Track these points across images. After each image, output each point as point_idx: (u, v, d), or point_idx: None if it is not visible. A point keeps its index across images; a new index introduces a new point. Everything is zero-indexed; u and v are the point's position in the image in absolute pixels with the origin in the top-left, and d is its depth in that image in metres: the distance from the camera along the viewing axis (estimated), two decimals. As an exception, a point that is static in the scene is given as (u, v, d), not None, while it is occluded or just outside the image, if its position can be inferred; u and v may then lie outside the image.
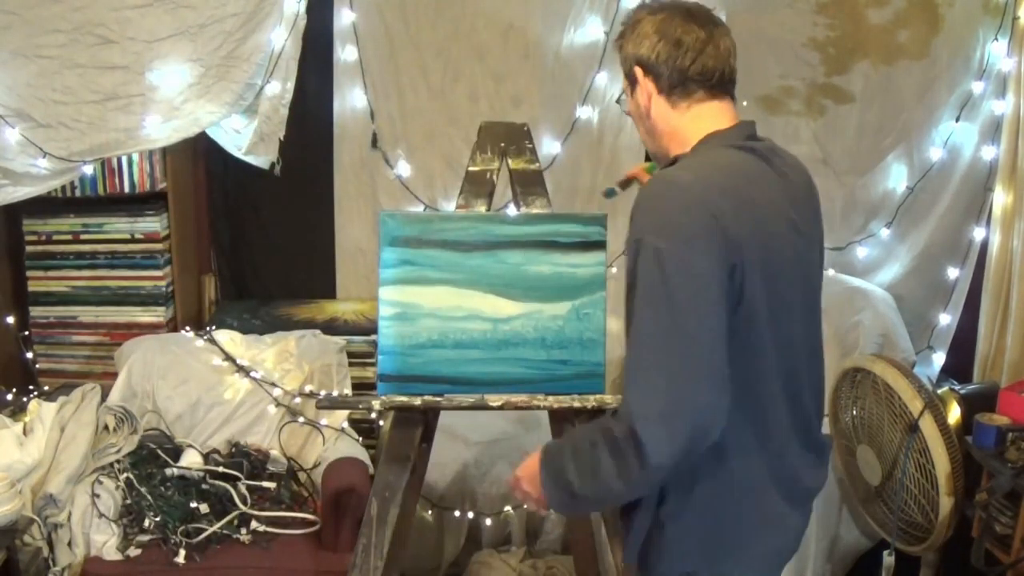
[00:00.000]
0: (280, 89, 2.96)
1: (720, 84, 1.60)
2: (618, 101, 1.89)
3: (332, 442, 3.00)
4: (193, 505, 2.70)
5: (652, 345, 1.42)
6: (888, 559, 2.48)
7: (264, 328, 3.29)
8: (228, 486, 2.77)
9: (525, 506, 1.74)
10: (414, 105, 3.39)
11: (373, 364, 3.02)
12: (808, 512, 1.69)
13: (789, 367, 1.55)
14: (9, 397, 3.02)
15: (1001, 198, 2.89)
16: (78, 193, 3.26)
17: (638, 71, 1.60)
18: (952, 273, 3.14)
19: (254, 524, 2.70)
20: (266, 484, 2.85)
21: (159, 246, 3.33)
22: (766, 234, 1.48)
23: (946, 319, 3.17)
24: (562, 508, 1.64)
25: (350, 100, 3.39)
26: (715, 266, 1.40)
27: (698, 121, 1.58)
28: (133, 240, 3.31)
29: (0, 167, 2.69)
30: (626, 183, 2.15)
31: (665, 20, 1.58)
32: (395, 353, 2.27)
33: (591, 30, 3.31)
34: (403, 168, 3.42)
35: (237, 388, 3.05)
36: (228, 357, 3.08)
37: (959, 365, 3.12)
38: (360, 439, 3.03)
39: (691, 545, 1.57)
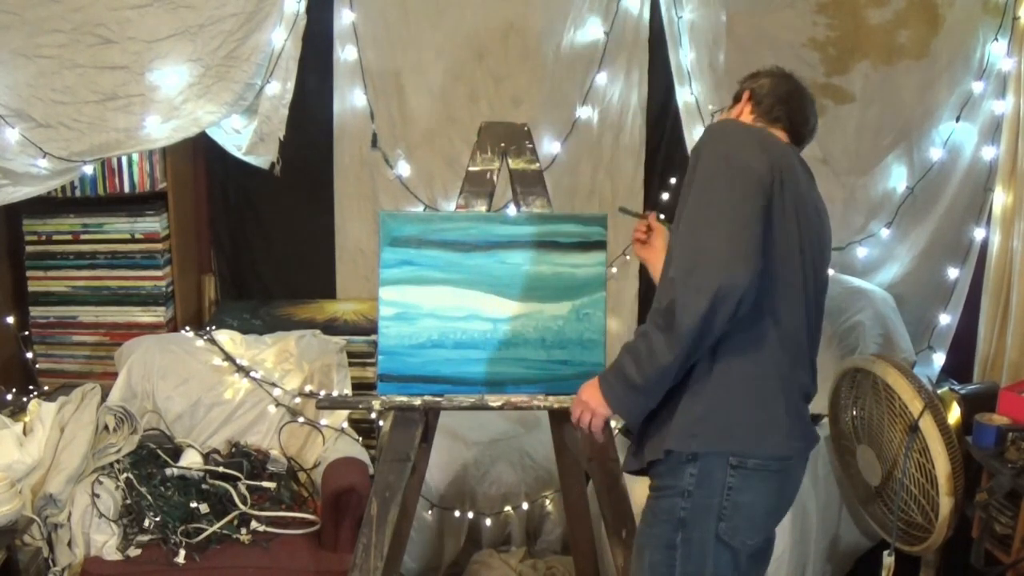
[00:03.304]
0: (280, 89, 2.96)
1: (793, 134, 1.99)
2: (713, 115, 2.28)
3: (332, 442, 3.00)
4: (193, 505, 2.70)
5: (699, 221, 1.72)
6: (888, 559, 2.48)
7: (264, 328, 3.29)
8: (228, 486, 2.77)
9: (588, 430, 1.93)
10: (414, 105, 3.39)
11: (373, 364, 3.02)
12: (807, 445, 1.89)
13: (808, 301, 1.83)
14: (9, 397, 3.02)
15: (1001, 198, 2.89)
16: (78, 193, 3.26)
17: (745, 95, 2.03)
18: (952, 273, 3.14)
19: (254, 524, 2.70)
20: (266, 484, 2.85)
21: (159, 246, 3.33)
22: (798, 183, 1.81)
23: (946, 319, 3.17)
24: (625, 406, 1.84)
25: (350, 100, 3.39)
26: (764, 171, 1.73)
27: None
28: (133, 240, 3.32)
29: (0, 167, 2.69)
30: (640, 215, 2.25)
31: (790, 88, 2.04)
32: (395, 353, 2.27)
33: (591, 30, 3.31)
34: (403, 168, 3.42)
35: (237, 388, 3.05)
36: (228, 357, 3.08)
37: (959, 365, 3.12)
38: (360, 439, 3.03)
39: (707, 425, 1.77)
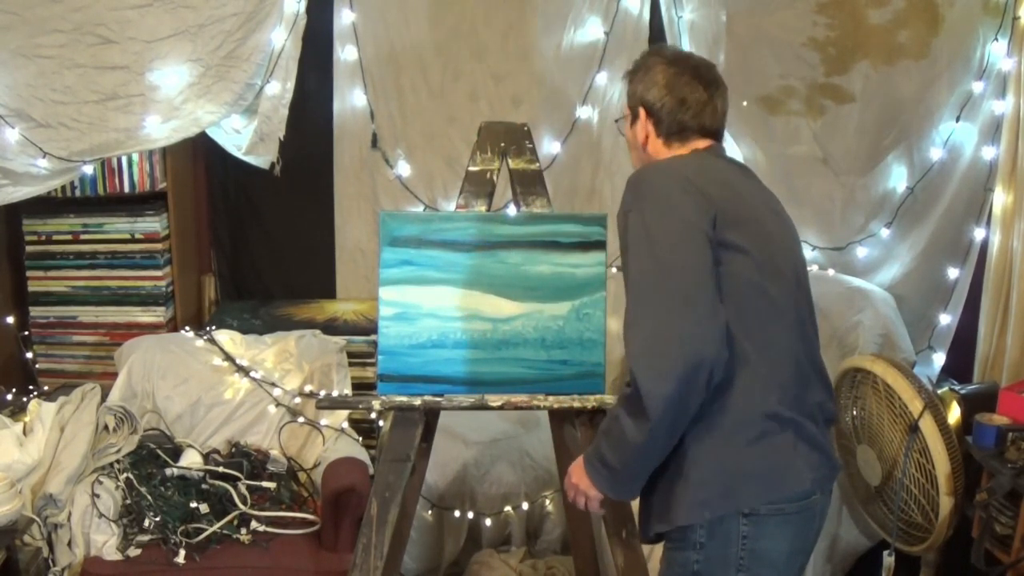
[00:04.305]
0: (280, 89, 2.96)
1: (710, 134, 1.83)
2: (616, 122, 2.03)
3: (332, 442, 3.00)
4: (193, 505, 2.70)
5: (640, 292, 1.58)
6: (888, 559, 2.48)
7: (264, 328, 3.29)
8: (228, 486, 2.77)
9: (587, 508, 1.83)
10: (414, 105, 3.39)
11: (373, 364, 3.02)
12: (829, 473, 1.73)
13: (790, 315, 1.70)
14: (9, 397, 3.02)
15: (1001, 198, 2.89)
16: (78, 193, 3.26)
17: (642, 112, 1.84)
18: (952, 273, 3.14)
19: (254, 524, 2.70)
20: (266, 484, 2.85)
21: (159, 246, 3.33)
22: (742, 201, 1.70)
23: (946, 319, 3.17)
24: (612, 488, 1.74)
25: (350, 100, 3.39)
26: (696, 214, 1.61)
27: (685, 151, 1.83)
28: (133, 240, 3.31)
29: (0, 167, 2.69)
30: None
31: (675, 75, 1.81)
32: (395, 353, 2.27)
33: (591, 30, 3.31)
34: (403, 168, 3.42)
35: (237, 388, 3.05)
36: (228, 357, 3.08)
37: (959, 365, 3.11)
38: (360, 439, 3.03)
39: (713, 489, 1.64)
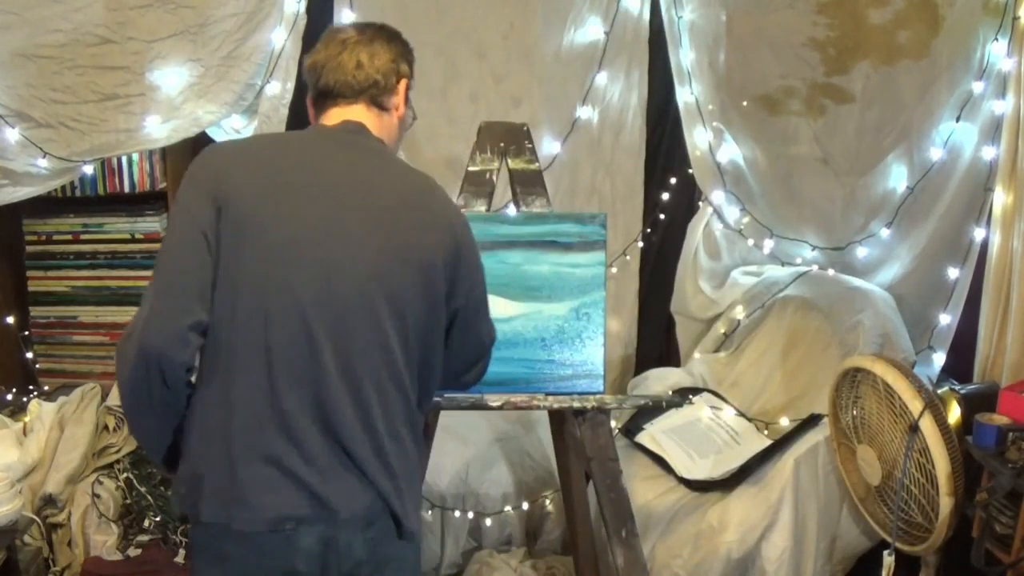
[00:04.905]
0: (280, 89, 2.96)
1: (351, 96, 1.69)
2: None
3: (332, 442, 2.99)
4: (193, 505, 2.70)
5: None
6: (888, 559, 2.48)
7: (264, 328, 3.28)
8: (228, 486, 2.77)
9: None
10: (414, 105, 3.38)
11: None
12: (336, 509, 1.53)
13: (300, 339, 1.52)
14: (9, 397, 3.02)
15: (1001, 198, 2.89)
16: (78, 193, 3.26)
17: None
18: (952, 273, 3.14)
19: (254, 524, 2.69)
20: (266, 484, 2.84)
21: (159, 246, 3.32)
22: (276, 200, 1.55)
23: (946, 319, 3.17)
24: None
25: (350, 100, 3.38)
26: (203, 198, 1.54)
27: (324, 122, 1.71)
28: (133, 240, 3.31)
29: (0, 167, 2.69)
30: None
31: (316, 46, 1.72)
32: (395, 353, 2.27)
33: (591, 30, 3.31)
34: (403, 168, 3.42)
35: (237, 388, 3.05)
36: (228, 357, 3.07)
37: (959, 365, 3.11)
38: (360, 439, 3.02)
39: (184, 487, 1.57)
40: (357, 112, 1.69)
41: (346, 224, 1.56)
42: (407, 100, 1.80)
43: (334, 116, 1.70)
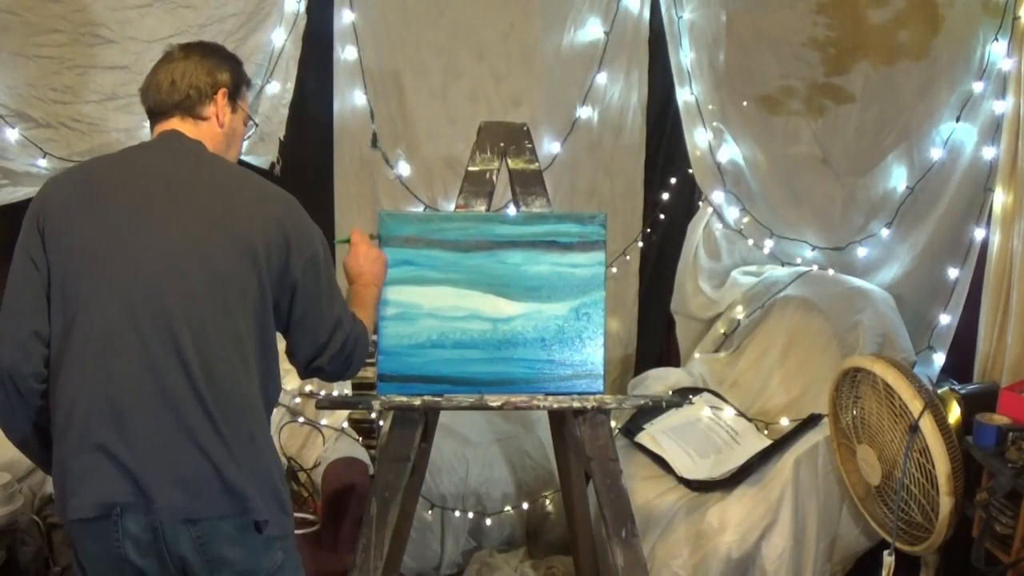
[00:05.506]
0: (280, 89, 2.97)
1: (168, 111, 1.79)
2: None
3: (332, 442, 2.99)
4: (193, 505, 2.70)
5: None
6: (888, 559, 2.48)
7: (264, 328, 3.28)
8: (228, 486, 2.77)
9: None
10: (414, 105, 3.39)
11: (373, 364, 3.01)
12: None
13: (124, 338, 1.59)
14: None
15: (1001, 198, 2.89)
16: (78, 193, 3.25)
17: None
18: (952, 273, 3.14)
19: (254, 524, 2.69)
20: (266, 484, 2.84)
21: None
22: (90, 198, 1.66)
23: (946, 319, 3.17)
24: None
25: (350, 100, 3.38)
26: (30, 224, 1.66)
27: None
28: (133, 240, 3.31)
29: (0, 167, 2.69)
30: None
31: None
32: (395, 353, 2.27)
33: (591, 30, 3.31)
34: (403, 168, 3.42)
35: (237, 388, 3.05)
36: (228, 357, 3.07)
37: (959, 365, 3.11)
38: (360, 439, 3.03)
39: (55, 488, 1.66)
40: (173, 124, 1.79)
41: (152, 211, 1.66)
42: (234, 106, 1.86)
43: (156, 131, 1.81)
